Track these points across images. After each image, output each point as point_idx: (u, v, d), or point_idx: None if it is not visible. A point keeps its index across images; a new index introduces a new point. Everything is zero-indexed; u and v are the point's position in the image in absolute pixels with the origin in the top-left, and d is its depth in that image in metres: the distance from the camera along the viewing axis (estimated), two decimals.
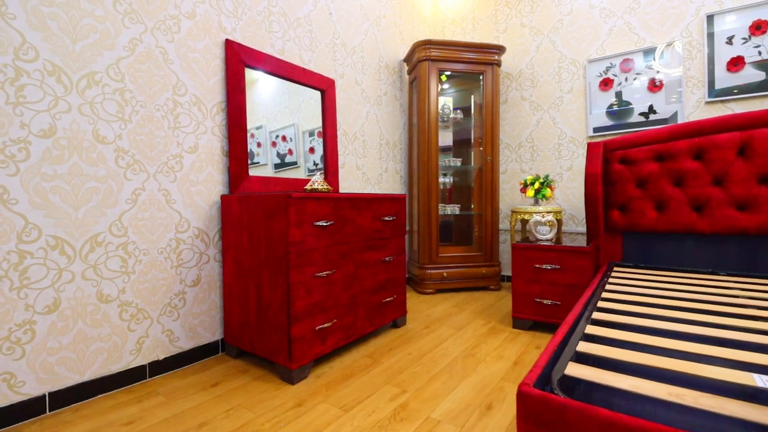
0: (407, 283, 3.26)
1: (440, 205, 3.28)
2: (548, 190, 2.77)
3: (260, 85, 2.15)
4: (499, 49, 2.92)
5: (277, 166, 2.26)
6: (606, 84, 2.73)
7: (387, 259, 2.06)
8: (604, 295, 1.52)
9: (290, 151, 2.31)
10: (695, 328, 1.10)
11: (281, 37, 2.14)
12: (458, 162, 3.18)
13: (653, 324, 1.14)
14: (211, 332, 1.81)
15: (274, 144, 2.25)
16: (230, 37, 1.88)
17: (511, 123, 3.25)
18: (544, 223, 2.30)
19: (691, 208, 2.02)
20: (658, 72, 2.54)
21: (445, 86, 3.47)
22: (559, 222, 2.90)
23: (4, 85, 1.22)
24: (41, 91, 1.30)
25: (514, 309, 2.17)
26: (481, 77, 3.00)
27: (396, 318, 2.17)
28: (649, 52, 2.57)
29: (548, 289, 2.07)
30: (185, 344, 1.71)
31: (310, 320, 1.59)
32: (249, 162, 2.11)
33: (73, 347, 1.38)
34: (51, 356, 1.33)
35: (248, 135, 2.09)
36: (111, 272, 1.48)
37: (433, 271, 2.94)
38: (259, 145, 2.18)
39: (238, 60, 1.88)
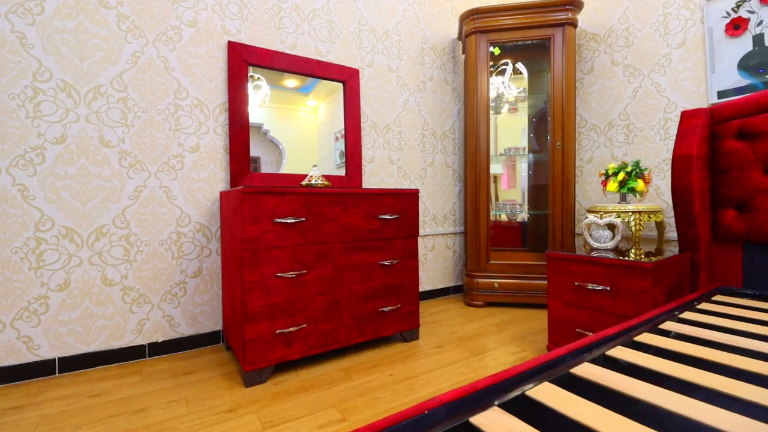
0: (460, 292, 2.88)
1: (499, 203, 2.80)
2: (639, 182, 2.05)
3: None
4: (572, 5, 2.29)
5: None
6: (736, 27, 1.85)
7: (387, 263, 1.82)
8: (644, 338, 1.01)
9: None
10: None
11: (293, 31, 2.12)
12: (522, 150, 2.64)
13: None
14: (213, 322, 1.91)
15: None
16: (234, 39, 1.94)
17: (598, 97, 2.53)
18: (603, 227, 1.69)
19: None
20: None
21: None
22: (660, 226, 2.12)
23: (24, 103, 1.50)
24: (54, 105, 1.56)
25: (550, 339, 1.66)
26: (547, 44, 2.41)
27: (403, 330, 1.91)
28: None
29: (594, 318, 1.51)
30: (185, 331, 1.84)
31: (268, 322, 1.51)
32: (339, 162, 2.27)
33: (81, 322, 1.62)
34: (62, 327, 1.58)
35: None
36: (114, 259, 1.68)
37: (481, 281, 2.52)
38: None
39: (240, 60, 1.93)
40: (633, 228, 2.00)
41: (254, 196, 1.46)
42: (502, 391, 0.78)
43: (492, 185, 2.89)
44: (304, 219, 1.58)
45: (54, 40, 1.55)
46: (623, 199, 2.14)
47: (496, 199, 2.89)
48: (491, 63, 2.67)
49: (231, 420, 1.26)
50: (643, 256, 1.61)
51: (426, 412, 0.69)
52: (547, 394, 0.75)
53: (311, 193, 1.60)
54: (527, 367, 0.87)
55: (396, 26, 2.51)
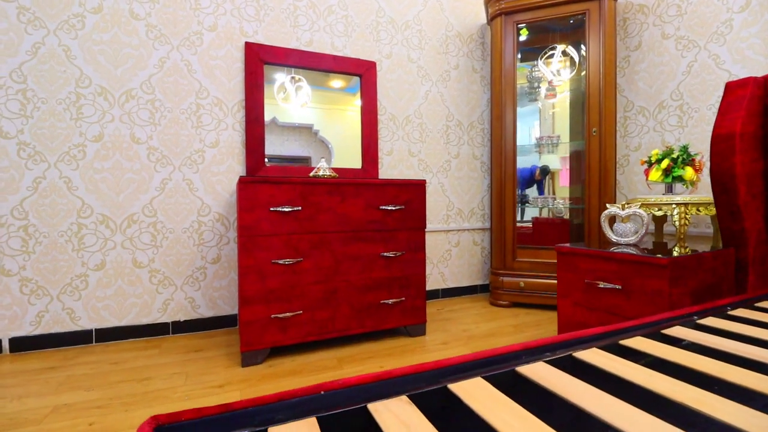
0: (486, 291, 2.73)
1: (543, 197, 2.61)
2: (688, 169, 1.78)
3: None
4: None
5: None
6: None
7: (389, 254, 1.79)
8: (634, 342, 0.88)
9: None
10: None
11: (309, 29, 2.17)
12: (556, 139, 2.43)
13: None
14: (231, 306, 2.04)
15: None
16: (251, 40, 2.05)
17: (646, 76, 2.23)
18: (625, 219, 1.48)
19: None
20: None
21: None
22: (716, 221, 1.81)
23: (69, 107, 1.74)
24: (93, 108, 1.78)
25: None
26: (584, 19, 2.19)
27: (407, 324, 1.86)
28: None
29: (605, 320, 1.33)
30: (206, 312, 1.99)
31: (264, 306, 1.57)
32: None
33: (114, 298, 1.83)
34: (98, 302, 1.80)
35: None
36: (143, 244, 1.87)
37: (507, 279, 2.36)
38: None
39: (256, 59, 2.03)
40: (677, 223, 1.73)
41: (249, 185, 1.53)
42: (422, 381, 0.73)
43: (551, 181, 2.70)
44: (300, 208, 1.62)
45: (93, 51, 1.77)
46: (669, 189, 1.86)
47: (554, 194, 2.69)
48: (538, 47, 2.48)
49: (217, 395, 1.33)
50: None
51: (322, 392, 0.67)
52: (472, 390, 0.68)
53: (307, 182, 1.63)
54: (465, 359, 0.80)
55: (417, 15, 2.46)
